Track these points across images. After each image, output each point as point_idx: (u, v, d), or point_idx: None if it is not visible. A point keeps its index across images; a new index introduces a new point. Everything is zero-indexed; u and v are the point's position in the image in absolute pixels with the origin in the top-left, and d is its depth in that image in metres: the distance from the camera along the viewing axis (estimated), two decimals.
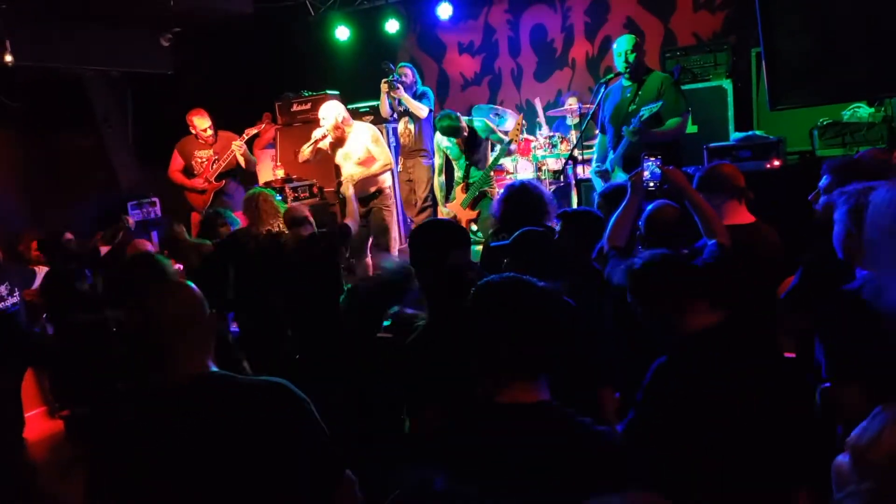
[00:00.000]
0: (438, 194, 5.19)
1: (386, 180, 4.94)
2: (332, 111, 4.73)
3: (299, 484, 1.45)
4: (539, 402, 1.33)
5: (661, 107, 3.79)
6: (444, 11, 6.51)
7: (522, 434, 1.27)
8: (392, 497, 1.45)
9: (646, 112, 3.77)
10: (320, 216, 4.69)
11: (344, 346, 2.75)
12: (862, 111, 3.99)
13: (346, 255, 4.42)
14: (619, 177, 3.89)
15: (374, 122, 5.92)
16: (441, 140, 5.08)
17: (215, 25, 6.29)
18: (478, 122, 5.03)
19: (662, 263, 1.83)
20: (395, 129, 5.88)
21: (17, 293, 3.40)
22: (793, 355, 2.45)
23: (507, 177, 5.68)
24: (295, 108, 6.16)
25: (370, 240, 4.94)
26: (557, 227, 2.80)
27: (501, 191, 3.16)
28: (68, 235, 4.60)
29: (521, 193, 2.93)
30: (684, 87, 4.35)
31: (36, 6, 5.17)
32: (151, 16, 5.90)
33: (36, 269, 4.38)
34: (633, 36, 4.16)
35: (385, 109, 5.58)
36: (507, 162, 5.57)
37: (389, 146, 5.86)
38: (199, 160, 5.51)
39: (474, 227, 4.97)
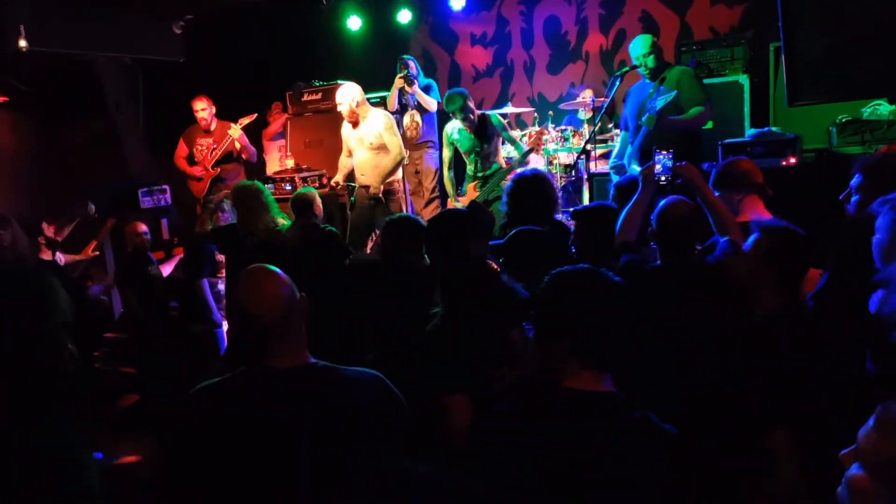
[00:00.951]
0: (449, 187, 5.14)
1: (397, 172, 4.93)
2: (347, 95, 4.72)
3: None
4: (608, 393, 1.34)
5: (675, 96, 3.74)
6: (458, 2, 6.44)
7: (593, 421, 1.29)
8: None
9: (660, 101, 3.71)
10: (329, 207, 4.70)
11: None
12: (883, 108, 3.92)
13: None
14: (635, 171, 3.85)
15: None
16: (452, 132, 5.03)
17: (227, 14, 6.28)
18: (492, 115, 4.97)
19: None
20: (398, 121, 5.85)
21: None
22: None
23: (516, 170, 5.62)
24: (306, 97, 6.14)
25: (375, 232, 4.92)
26: (572, 228, 2.76)
27: (508, 183, 3.10)
28: (143, 227, 4.61)
29: (533, 183, 2.88)
30: None
31: None
32: (164, 3, 5.90)
33: (60, 255, 4.43)
34: (648, 36, 4.09)
35: (393, 103, 5.58)
36: (515, 154, 5.53)
37: (402, 137, 5.85)
38: (200, 148, 5.58)
39: None
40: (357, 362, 1.57)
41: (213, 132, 5.54)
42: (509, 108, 6.05)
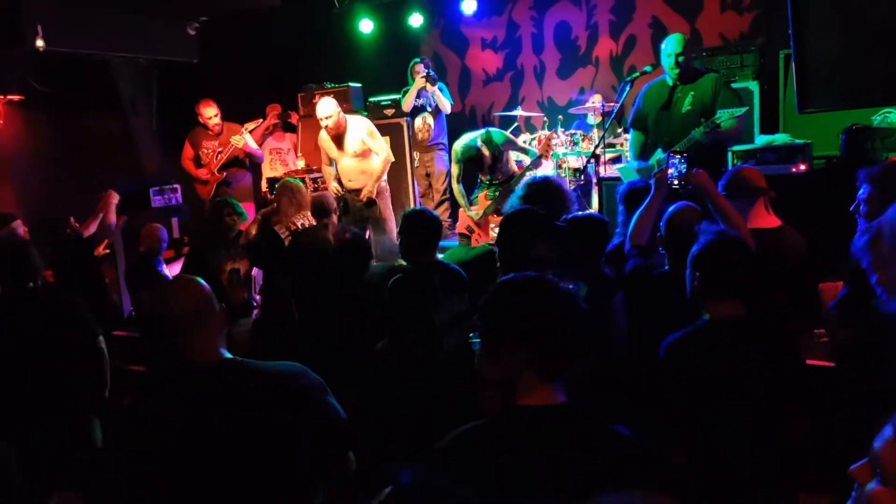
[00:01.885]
0: (460, 199, 5.02)
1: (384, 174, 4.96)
2: (332, 108, 4.69)
3: (301, 462, 1.49)
4: (562, 405, 1.29)
5: (733, 112, 3.53)
6: (469, 6, 6.49)
7: (549, 436, 1.25)
8: (385, 494, 1.46)
9: (725, 114, 3.52)
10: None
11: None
12: (893, 116, 3.91)
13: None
14: (660, 155, 3.79)
15: (394, 116, 5.95)
16: (461, 151, 4.89)
17: (241, 16, 6.34)
18: (495, 133, 4.70)
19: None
20: (409, 123, 5.88)
21: None
22: (831, 364, 2.40)
23: (528, 174, 5.62)
24: (317, 99, 6.18)
25: (367, 232, 4.94)
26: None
27: (519, 188, 3.10)
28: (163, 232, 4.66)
29: (542, 190, 2.91)
30: None
31: None
32: (178, 5, 5.97)
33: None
34: (683, 35, 3.87)
35: (410, 104, 5.61)
36: (525, 158, 5.53)
37: (412, 139, 5.89)
38: (206, 151, 5.64)
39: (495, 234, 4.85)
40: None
41: (220, 135, 5.60)
42: (519, 112, 6.08)
